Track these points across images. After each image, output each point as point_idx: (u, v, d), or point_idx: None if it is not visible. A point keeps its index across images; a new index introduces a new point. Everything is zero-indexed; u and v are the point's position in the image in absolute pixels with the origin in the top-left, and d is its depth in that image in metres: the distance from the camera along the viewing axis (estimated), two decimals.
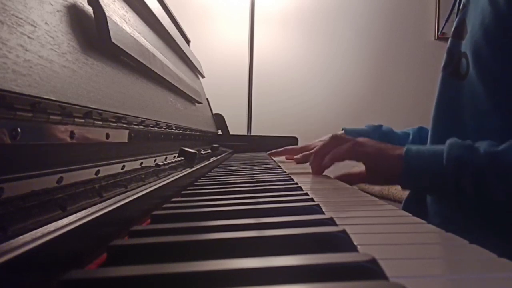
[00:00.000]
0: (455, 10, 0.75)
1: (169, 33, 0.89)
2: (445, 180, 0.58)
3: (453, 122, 0.66)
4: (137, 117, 0.53)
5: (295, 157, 1.06)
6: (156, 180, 0.47)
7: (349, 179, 0.72)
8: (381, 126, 0.99)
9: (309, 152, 1.02)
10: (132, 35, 0.55)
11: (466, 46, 0.65)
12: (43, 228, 0.23)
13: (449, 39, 0.71)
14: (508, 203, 0.54)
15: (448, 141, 0.60)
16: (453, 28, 0.70)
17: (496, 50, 0.60)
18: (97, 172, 0.38)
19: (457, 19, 0.70)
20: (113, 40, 0.45)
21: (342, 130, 1.00)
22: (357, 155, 0.68)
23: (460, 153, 0.57)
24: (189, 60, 1.17)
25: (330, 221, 0.30)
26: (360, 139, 0.70)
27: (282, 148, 1.20)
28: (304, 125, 2.38)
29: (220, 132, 1.55)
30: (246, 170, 0.78)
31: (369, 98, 2.51)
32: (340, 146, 0.70)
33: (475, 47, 0.62)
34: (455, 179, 0.57)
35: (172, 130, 0.77)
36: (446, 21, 0.83)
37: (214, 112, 1.55)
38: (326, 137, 0.95)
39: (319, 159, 0.72)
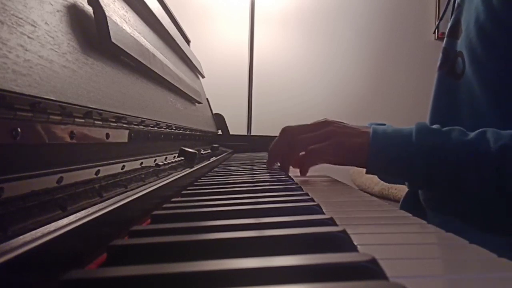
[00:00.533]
0: (450, 10, 0.75)
1: (169, 33, 0.89)
2: (413, 165, 0.57)
3: (450, 121, 0.66)
4: (137, 117, 0.53)
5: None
6: (156, 180, 0.47)
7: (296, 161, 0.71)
8: (384, 125, 0.98)
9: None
10: (132, 35, 0.55)
11: (461, 45, 0.65)
12: (43, 228, 0.23)
13: (445, 39, 0.71)
14: (481, 195, 0.54)
15: (416, 124, 0.59)
16: (448, 28, 0.70)
17: (491, 48, 0.60)
18: (97, 172, 0.38)
19: (452, 18, 0.70)
20: (113, 40, 0.45)
21: None
22: (320, 155, 0.66)
23: (430, 137, 0.56)
24: (189, 60, 1.17)
25: (330, 221, 0.30)
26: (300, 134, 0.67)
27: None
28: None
29: (220, 132, 1.55)
30: (246, 170, 0.78)
31: (369, 98, 2.51)
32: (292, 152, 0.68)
33: (470, 46, 0.63)
34: (425, 163, 0.56)
35: (172, 130, 0.77)
36: (440, 20, 0.83)
37: (214, 112, 1.55)
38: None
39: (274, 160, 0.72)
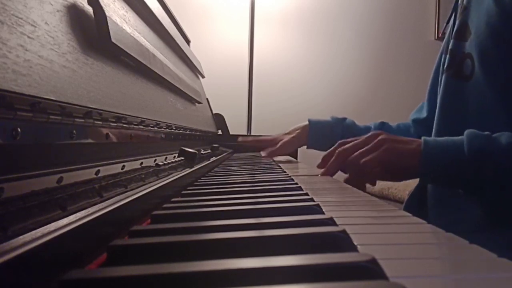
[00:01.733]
0: (454, 12, 0.75)
1: (169, 33, 0.89)
2: (465, 172, 0.57)
3: (457, 123, 0.66)
4: (137, 117, 0.53)
5: (262, 153, 1.10)
6: (156, 180, 0.47)
7: (359, 180, 0.69)
8: (345, 119, 1.00)
9: (275, 148, 1.04)
10: (132, 35, 0.55)
11: (471, 47, 0.65)
12: (43, 228, 0.23)
13: (451, 41, 0.71)
14: None
15: (466, 132, 0.59)
16: (454, 30, 0.70)
17: (504, 49, 0.60)
18: (97, 172, 0.38)
19: (458, 21, 0.70)
20: (113, 40, 0.45)
21: (308, 121, 1.02)
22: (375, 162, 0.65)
23: (481, 144, 0.57)
24: (189, 60, 1.17)
25: (330, 221, 0.30)
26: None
27: (252, 139, 1.24)
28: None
29: (220, 132, 1.55)
30: (246, 170, 0.78)
31: (369, 98, 2.51)
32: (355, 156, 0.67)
33: (481, 48, 0.62)
34: (477, 170, 0.56)
35: (172, 130, 0.77)
36: (447, 23, 0.83)
37: (214, 112, 1.55)
38: (293, 129, 0.99)
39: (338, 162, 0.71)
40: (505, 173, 0.55)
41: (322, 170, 0.73)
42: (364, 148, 0.66)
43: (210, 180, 0.64)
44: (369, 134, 0.68)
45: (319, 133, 1.00)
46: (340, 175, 0.73)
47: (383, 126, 0.96)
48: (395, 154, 0.64)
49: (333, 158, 0.70)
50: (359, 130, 0.95)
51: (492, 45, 0.61)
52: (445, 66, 0.71)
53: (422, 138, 0.62)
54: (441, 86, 0.71)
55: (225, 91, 2.35)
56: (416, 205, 0.71)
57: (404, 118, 1.06)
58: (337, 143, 0.72)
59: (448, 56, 0.71)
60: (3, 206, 0.24)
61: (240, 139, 1.32)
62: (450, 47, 0.70)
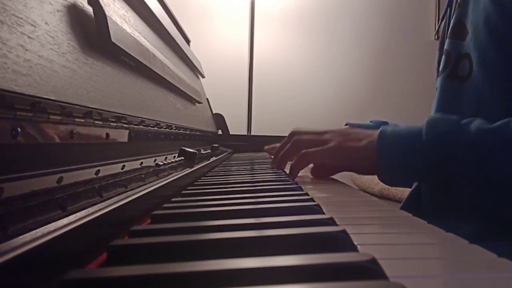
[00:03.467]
0: (449, 10, 0.73)
1: (169, 33, 0.89)
2: (424, 162, 0.53)
3: None
4: (137, 117, 0.53)
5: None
6: (156, 180, 0.47)
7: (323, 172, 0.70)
8: (387, 122, 0.97)
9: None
10: (132, 35, 0.55)
11: (468, 47, 0.63)
12: (43, 228, 0.23)
13: (446, 40, 0.68)
14: (504, 187, 0.50)
15: (428, 117, 0.55)
16: (449, 29, 0.68)
17: (503, 48, 0.58)
18: (97, 172, 0.38)
19: (453, 19, 0.68)
20: (113, 40, 0.45)
21: (346, 124, 0.98)
22: (315, 159, 0.66)
23: (443, 130, 0.52)
24: (189, 60, 1.17)
25: (330, 221, 0.30)
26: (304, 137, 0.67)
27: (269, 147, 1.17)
28: (304, 125, 2.37)
29: (220, 132, 1.55)
30: (246, 170, 0.78)
31: (369, 98, 2.51)
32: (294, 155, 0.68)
33: (480, 48, 0.60)
34: (438, 161, 0.52)
35: (172, 130, 0.77)
36: (441, 21, 0.81)
37: (214, 112, 1.55)
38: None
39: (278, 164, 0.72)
40: (475, 164, 0.50)
41: (274, 158, 0.73)
42: (314, 137, 0.66)
43: (210, 180, 0.64)
44: (326, 129, 0.67)
45: None
46: (339, 174, 0.73)
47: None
48: (341, 152, 0.62)
49: (289, 146, 0.70)
50: None
51: (491, 45, 0.59)
52: (440, 67, 0.69)
53: (380, 129, 0.58)
54: (437, 88, 0.69)
55: (225, 91, 2.35)
56: (414, 205, 0.70)
57: (403, 118, 1.06)
58: (291, 132, 0.72)
59: (443, 56, 0.68)
60: (3, 206, 0.24)
61: (266, 147, 1.21)
62: (445, 47, 0.68)
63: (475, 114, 0.58)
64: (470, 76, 0.62)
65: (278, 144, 0.78)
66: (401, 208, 0.70)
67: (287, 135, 0.74)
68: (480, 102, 0.60)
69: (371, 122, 0.94)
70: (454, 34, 0.66)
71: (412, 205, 0.68)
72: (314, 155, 0.65)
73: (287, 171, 0.73)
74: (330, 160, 0.65)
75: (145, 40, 0.64)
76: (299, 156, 0.67)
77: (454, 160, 0.52)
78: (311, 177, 0.71)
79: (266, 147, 1.19)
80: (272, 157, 0.87)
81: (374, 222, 0.35)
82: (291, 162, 0.70)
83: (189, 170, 0.62)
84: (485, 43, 0.60)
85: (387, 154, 0.57)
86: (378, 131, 0.59)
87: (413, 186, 0.70)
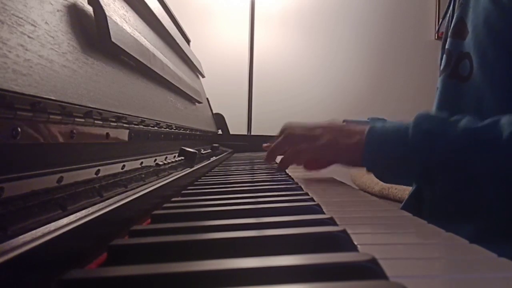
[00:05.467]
0: (451, 9, 0.72)
1: (169, 33, 0.89)
2: (408, 158, 0.53)
3: None
4: (137, 116, 0.53)
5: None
6: (156, 180, 0.47)
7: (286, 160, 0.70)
8: (384, 120, 0.96)
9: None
10: (132, 34, 0.55)
11: (469, 46, 0.62)
12: (43, 227, 0.23)
13: (448, 39, 0.68)
14: (491, 188, 0.50)
15: (417, 114, 0.55)
16: (451, 28, 0.67)
17: (502, 49, 0.57)
18: (97, 172, 0.38)
19: (454, 18, 0.67)
20: (113, 39, 0.45)
21: (344, 122, 0.97)
22: (307, 155, 0.66)
23: (430, 127, 0.53)
24: (189, 59, 1.17)
25: (330, 221, 0.30)
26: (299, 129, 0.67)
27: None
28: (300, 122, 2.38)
29: (220, 131, 1.55)
30: (246, 170, 0.78)
31: (369, 98, 2.51)
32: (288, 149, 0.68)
33: (479, 47, 0.60)
34: (422, 157, 0.52)
35: (172, 130, 0.77)
36: (442, 19, 0.80)
37: (214, 111, 1.55)
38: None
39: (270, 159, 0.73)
40: (456, 162, 0.50)
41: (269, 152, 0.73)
42: (306, 133, 0.66)
43: (210, 180, 0.64)
44: (319, 124, 0.67)
45: None
46: (339, 174, 0.73)
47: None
48: (333, 149, 0.62)
49: (281, 139, 0.70)
50: None
51: (491, 45, 0.58)
52: (441, 66, 0.68)
53: (369, 125, 0.59)
54: (438, 88, 0.68)
55: (225, 91, 2.35)
56: (413, 205, 0.70)
57: (403, 118, 1.04)
58: (283, 125, 0.72)
59: (444, 55, 0.68)
60: (3, 206, 0.24)
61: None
62: (447, 46, 0.67)
63: (476, 114, 0.57)
64: (471, 75, 0.61)
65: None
66: (402, 207, 0.70)
67: None
68: (480, 102, 0.60)
69: (368, 119, 0.93)
70: (455, 33, 0.66)
71: (412, 208, 0.68)
72: (306, 151, 0.65)
73: (287, 172, 0.73)
74: (321, 156, 0.65)
75: (145, 40, 0.64)
76: (291, 152, 0.67)
77: (437, 158, 0.52)
78: (308, 174, 0.71)
79: (264, 145, 1.17)
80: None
81: (374, 222, 0.35)
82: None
83: (189, 170, 0.62)
84: (484, 43, 0.59)
85: (374, 150, 0.57)
86: (368, 126, 0.59)
87: (413, 189, 0.70)
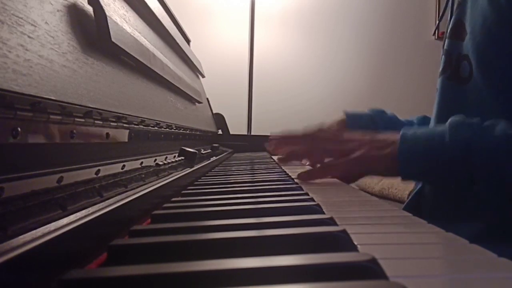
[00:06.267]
0: (449, 9, 0.70)
1: (169, 33, 0.89)
2: (449, 167, 0.53)
3: None
4: (137, 116, 0.53)
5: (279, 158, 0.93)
6: (156, 180, 0.47)
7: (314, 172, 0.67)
8: (384, 111, 0.95)
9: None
10: (132, 34, 0.55)
11: (467, 48, 0.61)
12: (43, 227, 0.23)
13: (446, 40, 0.67)
14: None
15: (450, 120, 0.54)
16: (449, 29, 0.67)
17: (500, 51, 0.57)
18: (97, 172, 0.38)
19: (452, 18, 0.66)
20: (113, 39, 0.45)
21: (345, 114, 0.93)
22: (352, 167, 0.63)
23: (467, 134, 0.52)
24: (189, 59, 1.17)
25: (331, 221, 0.30)
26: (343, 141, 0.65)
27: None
28: (304, 125, 2.38)
29: (220, 131, 1.55)
30: (246, 170, 0.78)
31: (369, 98, 2.51)
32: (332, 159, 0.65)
33: (477, 49, 0.59)
34: (462, 165, 0.52)
35: (172, 130, 0.77)
36: (440, 20, 0.79)
37: (214, 111, 1.55)
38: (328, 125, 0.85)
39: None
40: (498, 168, 0.50)
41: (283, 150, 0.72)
42: (339, 144, 0.64)
43: (210, 180, 0.64)
44: (349, 136, 0.65)
45: (358, 127, 0.85)
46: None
47: (425, 120, 0.86)
48: (365, 162, 0.61)
49: (306, 147, 0.68)
50: (401, 125, 0.87)
51: (489, 47, 0.58)
52: (440, 68, 0.67)
53: (401, 133, 0.58)
54: (438, 90, 0.67)
55: (225, 90, 2.35)
56: (414, 206, 0.69)
57: (404, 118, 1.05)
58: (308, 129, 0.70)
59: (443, 56, 0.67)
60: (3, 206, 0.24)
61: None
62: (445, 47, 0.67)
63: (477, 116, 0.57)
64: (471, 78, 0.61)
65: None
66: (405, 207, 0.69)
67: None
68: (481, 104, 0.59)
69: (368, 111, 0.91)
70: (453, 34, 0.65)
71: (412, 210, 0.68)
72: (338, 167, 0.63)
73: (287, 171, 0.73)
74: (353, 170, 0.64)
75: (145, 40, 0.64)
76: (322, 167, 0.65)
77: (476, 165, 0.51)
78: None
79: (271, 136, 1.06)
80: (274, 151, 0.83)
81: (374, 222, 0.35)
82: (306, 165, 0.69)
83: (189, 170, 0.62)
84: (483, 44, 0.58)
85: (410, 161, 0.56)
86: (399, 136, 0.58)
87: (414, 191, 0.69)
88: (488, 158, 0.51)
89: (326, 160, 0.68)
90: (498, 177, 0.51)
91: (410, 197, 0.70)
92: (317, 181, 0.66)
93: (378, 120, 0.87)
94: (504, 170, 0.51)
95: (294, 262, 0.20)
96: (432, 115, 0.69)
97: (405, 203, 0.71)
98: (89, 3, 0.45)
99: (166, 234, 0.27)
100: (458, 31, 0.64)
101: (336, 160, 0.64)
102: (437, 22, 2.47)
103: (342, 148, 0.64)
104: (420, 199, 0.67)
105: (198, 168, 0.69)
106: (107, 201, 0.32)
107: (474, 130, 0.52)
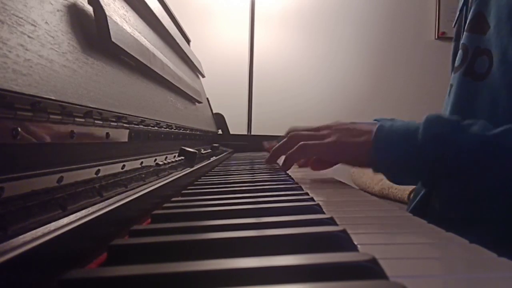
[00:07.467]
0: (462, 3, 0.68)
1: (169, 33, 0.89)
2: (417, 162, 0.52)
3: None
4: (137, 116, 0.53)
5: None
6: (157, 180, 0.47)
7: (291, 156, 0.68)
8: (393, 119, 0.94)
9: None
10: (132, 34, 0.55)
11: (489, 42, 0.58)
12: (43, 227, 0.23)
13: (464, 33, 0.63)
14: (502, 196, 0.49)
15: (427, 115, 0.54)
16: (468, 21, 0.63)
17: None
18: (97, 172, 0.38)
19: (471, 11, 0.62)
20: (113, 39, 0.45)
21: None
22: (310, 151, 0.64)
23: (441, 130, 0.51)
24: (189, 59, 1.17)
25: (331, 221, 0.30)
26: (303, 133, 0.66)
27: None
28: (304, 125, 2.38)
29: (220, 131, 1.55)
30: (246, 170, 0.78)
31: (370, 98, 2.51)
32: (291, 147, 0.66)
33: (502, 45, 0.55)
34: (435, 161, 0.51)
35: (173, 130, 0.77)
36: (460, 12, 0.74)
37: (214, 111, 1.55)
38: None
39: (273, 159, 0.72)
40: (468, 168, 0.49)
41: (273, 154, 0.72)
42: (313, 132, 0.65)
43: (210, 180, 0.64)
44: (325, 124, 0.66)
45: None
46: (339, 174, 0.73)
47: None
48: (340, 147, 0.61)
49: (285, 140, 0.68)
50: None
51: None
52: (456, 63, 0.64)
53: (378, 124, 0.57)
54: (453, 86, 0.64)
55: (225, 90, 2.35)
56: (419, 209, 0.68)
57: (403, 118, 1.04)
58: (288, 129, 0.71)
59: (460, 51, 0.64)
60: (3, 206, 0.24)
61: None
62: (462, 41, 0.63)
63: (490, 116, 0.55)
64: (489, 73, 0.58)
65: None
66: (410, 210, 0.68)
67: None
68: (495, 103, 0.56)
69: (374, 120, 0.91)
70: (473, 28, 0.62)
71: (418, 214, 0.66)
72: (312, 147, 0.64)
73: (287, 171, 0.73)
74: (327, 155, 0.65)
75: (145, 40, 0.64)
76: (297, 147, 0.65)
77: (445, 163, 0.51)
78: (308, 174, 0.71)
79: (265, 144, 1.09)
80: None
81: (374, 222, 0.35)
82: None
83: (189, 170, 0.62)
84: (506, 40, 0.55)
85: (383, 150, 0.56)
86: (376, 126, 0.58)
87: (420, 195, 0.68)
88: (461, 156, 0.50)
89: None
90: (467, 176, 0.50)
91: (416, 201, 0.69)
92: (317, 181, 0.66)
93: None
94: (472, 170, 0.50)
95: (294, 262, 0.20)
96: (446, 112, 0.66)
97: (411, 207, 0.69)
98: (89, 3, 0.45)
99: (166, 234, 0.27)
100: (478, 23, 0.61)
101: (308, 142, 0.64)
102: (438, 22, 2.47)
103: (318, 134, 0.65)
104: (425, 203, 0.66)
105: (198, 168, 0.69)
106: (107, 201, 0.32)
107: (450, 127, 0.52)
